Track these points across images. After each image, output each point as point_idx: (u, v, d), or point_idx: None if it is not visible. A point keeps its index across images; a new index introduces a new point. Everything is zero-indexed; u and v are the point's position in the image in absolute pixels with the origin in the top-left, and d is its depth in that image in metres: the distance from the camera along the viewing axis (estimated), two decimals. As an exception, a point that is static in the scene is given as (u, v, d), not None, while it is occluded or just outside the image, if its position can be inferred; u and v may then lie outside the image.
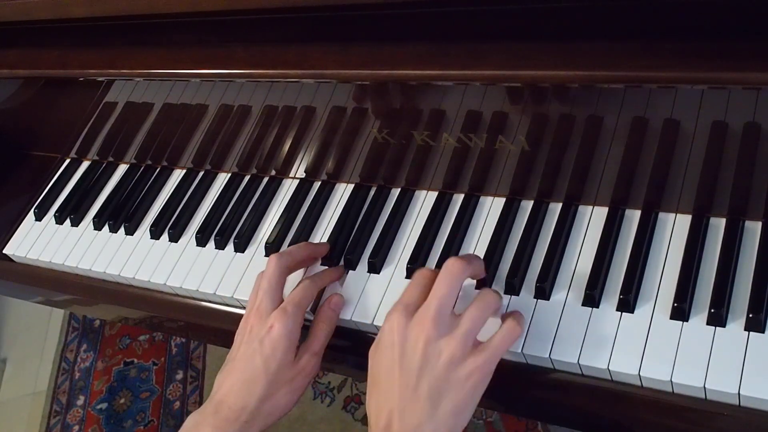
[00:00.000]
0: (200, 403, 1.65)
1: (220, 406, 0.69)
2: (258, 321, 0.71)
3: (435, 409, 0.59)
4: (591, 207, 0.74)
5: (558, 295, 0.69)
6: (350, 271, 0.79)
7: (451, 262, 0.64)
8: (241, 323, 0.73)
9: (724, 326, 0.62)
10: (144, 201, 0.97)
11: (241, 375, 0.69)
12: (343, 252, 0.80)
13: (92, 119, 0.98)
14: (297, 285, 0.74)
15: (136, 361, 1.82)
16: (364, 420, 1.54)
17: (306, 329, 0.73)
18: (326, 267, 0.80)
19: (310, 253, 0.79)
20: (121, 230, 0.95)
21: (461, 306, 0.63)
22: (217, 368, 0.73)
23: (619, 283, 0.67)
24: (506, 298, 0.70)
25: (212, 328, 0.86)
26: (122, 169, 1.03)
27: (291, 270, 0.76)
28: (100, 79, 0.89)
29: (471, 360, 0.60)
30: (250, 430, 0.69)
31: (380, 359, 0.63)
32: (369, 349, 0.65)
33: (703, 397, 0.60)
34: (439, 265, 0.74)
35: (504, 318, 0.65)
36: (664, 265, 0.68)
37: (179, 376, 1.77)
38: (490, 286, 0.72)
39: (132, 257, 0.91)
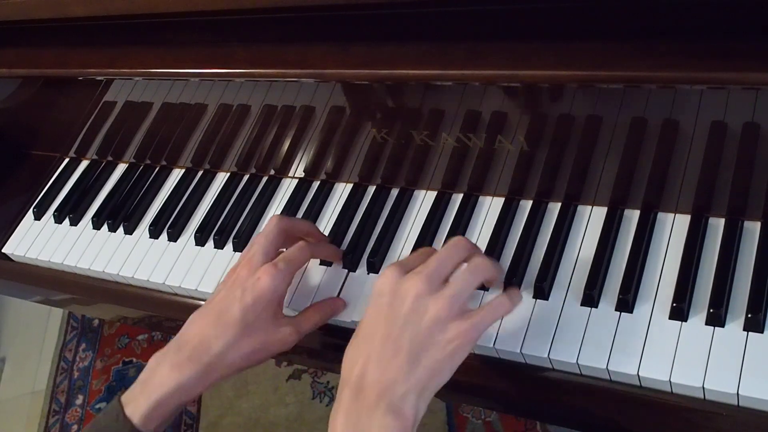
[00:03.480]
0: (199, 402, 1.65)
1: (184, 345, 0.68)
2: (247, 271, 0.69)
3: (413, 367, 0.58)
4: (590, 207, 0.74)
5: (557, 295, 0.69)
6: (350, 272, 0.79)
7: (458, 238, 0.66)
8: (228, 273, 0.72)
9: (723, 326, 0.62)
10: (143, 200, 0.97)
11: (215, 318, 0.68)
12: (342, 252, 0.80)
13: (91, 119, 0.98)
14: (293, 245, 0.72)
15: (135, 360, 1.82)
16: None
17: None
18: (326, 268, 0.80)
19: (311, 230, 0.78)
20: (120, 229, 0.94)
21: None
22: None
23: (618, 283, 0.67)
24: (505, 297, 0.70)
25: (211, 327, 0.86)
26: (121, 168, 1.03)
27: (289, 236, 0.75)
28: (99, 78, 0.88)
29: (455, 324, 0.60)
30: (210, 374, 0.67)
31: (367, 311, 0.63)
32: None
33: (702, 397, 0.60)
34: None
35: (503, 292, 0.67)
36: (663, 265, 0.68)
37: (178, 375, 1.76)
38: (490, 286, 0.72)
39: (131, 256, 0.91)
